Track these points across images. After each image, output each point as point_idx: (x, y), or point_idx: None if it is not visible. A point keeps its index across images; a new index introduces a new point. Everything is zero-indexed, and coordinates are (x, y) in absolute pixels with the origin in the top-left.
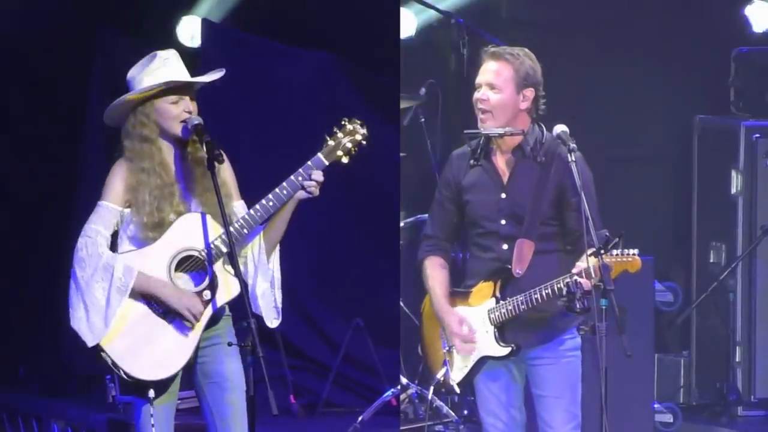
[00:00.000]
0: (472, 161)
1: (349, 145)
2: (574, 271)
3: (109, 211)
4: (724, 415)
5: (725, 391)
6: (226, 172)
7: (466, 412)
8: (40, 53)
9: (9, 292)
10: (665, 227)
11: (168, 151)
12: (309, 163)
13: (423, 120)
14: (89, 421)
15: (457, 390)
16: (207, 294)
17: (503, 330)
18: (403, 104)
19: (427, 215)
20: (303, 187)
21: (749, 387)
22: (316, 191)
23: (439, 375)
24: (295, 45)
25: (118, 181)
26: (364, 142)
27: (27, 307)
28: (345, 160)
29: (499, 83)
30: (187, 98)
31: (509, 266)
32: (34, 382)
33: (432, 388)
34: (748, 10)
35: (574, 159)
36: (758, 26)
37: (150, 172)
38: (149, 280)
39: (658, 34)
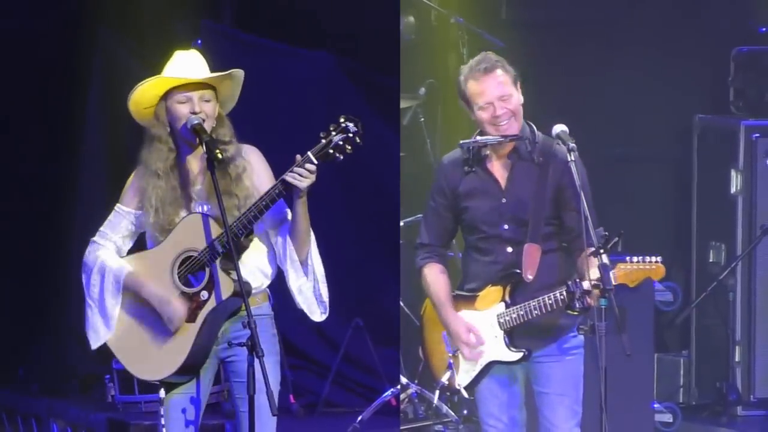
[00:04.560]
0: (466, 168)
1: (342, 142)
2: (592, 278)
3: (119, 214)
4: (723, 415)
5: (725, 391)
6: (253, 177)
7: (465, 411)
8: (40, 53)
9: (9, 293)
10: (665, 227)
11: (183, 154)
12: (299, 160)
13: (423, 119)
14: (89, 421)
15: (466, 394)
16: (204, 294)
17: (512, 334)
18: (403, 104)
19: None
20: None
21: (749, 386)
22: (302, 182)
23: (444, 378)
24: (295, 45)
25: (132, 184)
26: (359, 140)
27: (27, 308)
28: (339, 157)
29: (507, 91)
30: (196, 98)
31: (518, 271)
32: (34, 382)
33: (438, 392)
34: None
35: (573, 158)
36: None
37: (160, 175)
38: (135, 283)
39: (658, 34)
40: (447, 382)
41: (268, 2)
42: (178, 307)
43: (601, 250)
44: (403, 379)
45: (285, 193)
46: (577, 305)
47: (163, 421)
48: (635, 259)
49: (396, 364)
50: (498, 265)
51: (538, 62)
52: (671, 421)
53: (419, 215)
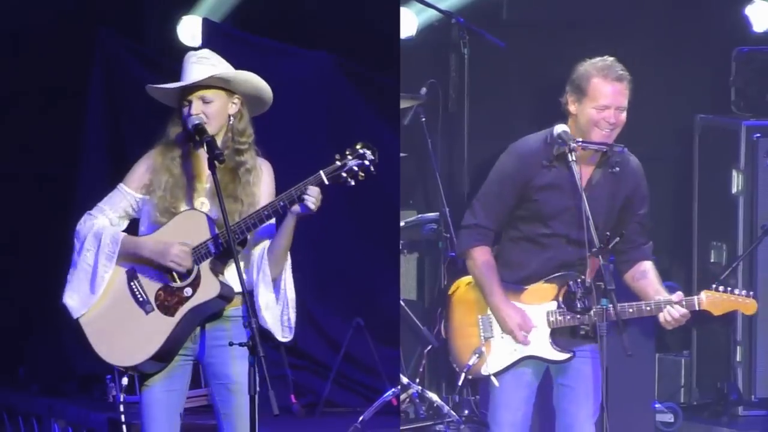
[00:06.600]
0: (545, 161)
1: (356, 168)
2: (674, 299)
3: (121, 194)
4: (724, 415)
5: (726, 391)
6: (261, 186)
7: (467, 411)
8: (40, 53)
9: (9, 292)
10: (666, 227)
11: (201, 151)
12: (310, 178)
13: (423, 120)
14: (89, 421)
15: (496, 382)
16: (188, 291)
17: (556, 334)
18: (404, 104)
19: (430, 214)
20: (299, 200)
21: (750, 386)
22: (313, 206)
23: (471, 361)
24: (295, 45)
25: (141, 166)
26: (373, 169)
27: (27, 307)
28: (351, 182)
29: (625, 104)
30: (194, 100)
31: (573, 272)
32: (34, 382)
33: (463, 374)
34: (749, 10)
35: (574, 158)
36: (759, 26)
37: (175, 159)
38: (134, 241)
39: (659, 33)
40: (472, 365)
41: (268, 2)
42: (183, 252)
43: (601, 250)
44: (404, 379)
45: (289, 207)
46: (578, 305)
47: (122, 408)
48: (720, 288)
49: (397, 364)
50: (555, 261)
51: (539, 62)
52: (672, 421)
53: (419, 215)
